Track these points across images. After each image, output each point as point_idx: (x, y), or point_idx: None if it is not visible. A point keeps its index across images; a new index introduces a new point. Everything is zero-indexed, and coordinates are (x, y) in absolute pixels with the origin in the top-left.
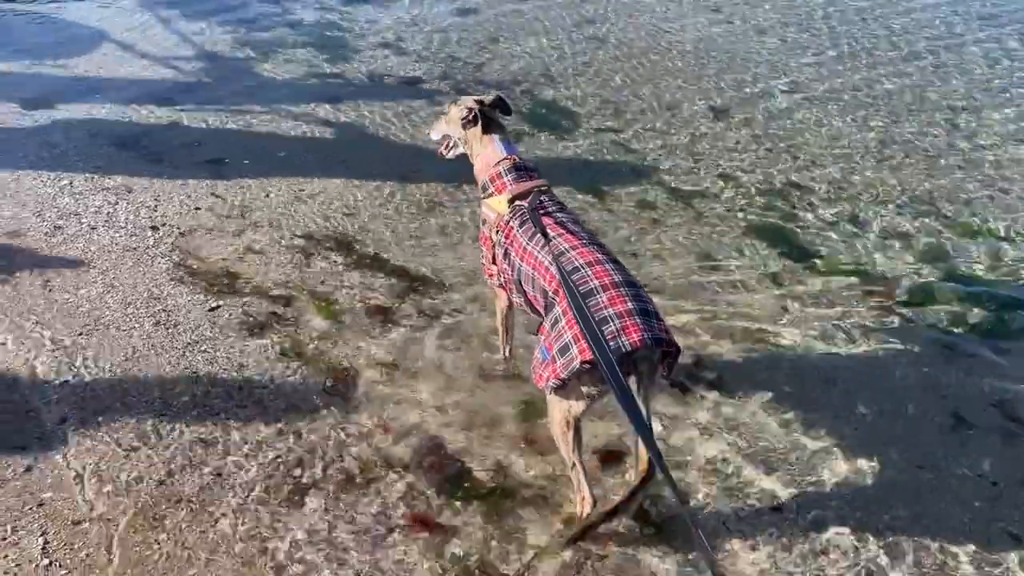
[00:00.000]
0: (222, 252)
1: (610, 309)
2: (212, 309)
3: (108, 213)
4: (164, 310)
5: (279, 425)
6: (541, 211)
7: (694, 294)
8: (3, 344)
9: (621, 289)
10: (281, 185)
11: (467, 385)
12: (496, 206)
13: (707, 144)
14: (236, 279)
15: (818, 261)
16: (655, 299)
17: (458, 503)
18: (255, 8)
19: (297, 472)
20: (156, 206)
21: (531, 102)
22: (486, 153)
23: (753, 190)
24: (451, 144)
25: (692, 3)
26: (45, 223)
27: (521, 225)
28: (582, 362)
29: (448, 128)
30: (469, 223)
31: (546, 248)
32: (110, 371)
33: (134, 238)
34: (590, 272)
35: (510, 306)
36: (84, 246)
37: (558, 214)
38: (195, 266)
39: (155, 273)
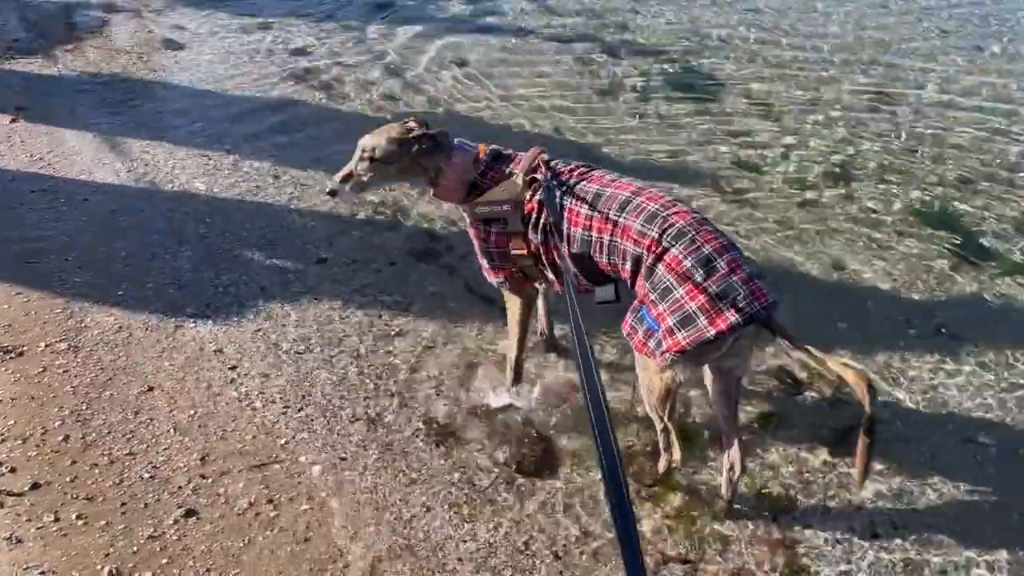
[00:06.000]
0: None
1: (733, 277)
2: None
3: None
4: None
5: None
6: (579, 174)
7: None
8: None
9: (733, 253)
10: None
11: None
12: (508, 193)
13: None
14: None
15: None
16: None
17: None
18: None
19: None
20: None
21: (680, 70)
22: (454, 161)
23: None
24: (366, 182)
25: None
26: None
27: (569, 193)
28: (717, 333)
29: (374, 165)
30: None
31: (634, 210)
32: None
33: None
34: (700, 238)
35: (529, 303)
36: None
37: (597, 173)
38: None
39: None
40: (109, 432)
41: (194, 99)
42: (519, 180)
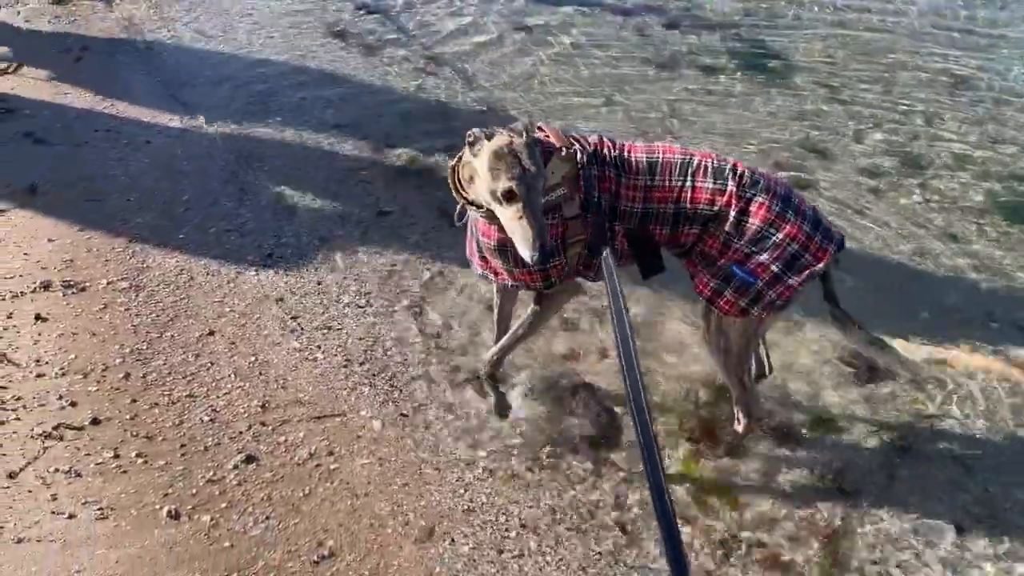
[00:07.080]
0: None
1: (810, 211)
2: None
3: None
4: None
5: None
6: (616, 147)
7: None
8: None
9: (795, 189)
10: None
11: None
12: (557, 175)
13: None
14: None
15: None
16: None
17: None
18: None
19: None
20: None
21: (747, 46)
22: None
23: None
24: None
25: None
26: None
27: (622, 163)
28: (826, 265)
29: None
30: None
31: (698, 171)
32: None
33: None
34: (769, 181)
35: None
36: None
37: (619, 143)
38: None
39: None
40: (170, 373)
41: (256, 49)
42: (565, 155)
